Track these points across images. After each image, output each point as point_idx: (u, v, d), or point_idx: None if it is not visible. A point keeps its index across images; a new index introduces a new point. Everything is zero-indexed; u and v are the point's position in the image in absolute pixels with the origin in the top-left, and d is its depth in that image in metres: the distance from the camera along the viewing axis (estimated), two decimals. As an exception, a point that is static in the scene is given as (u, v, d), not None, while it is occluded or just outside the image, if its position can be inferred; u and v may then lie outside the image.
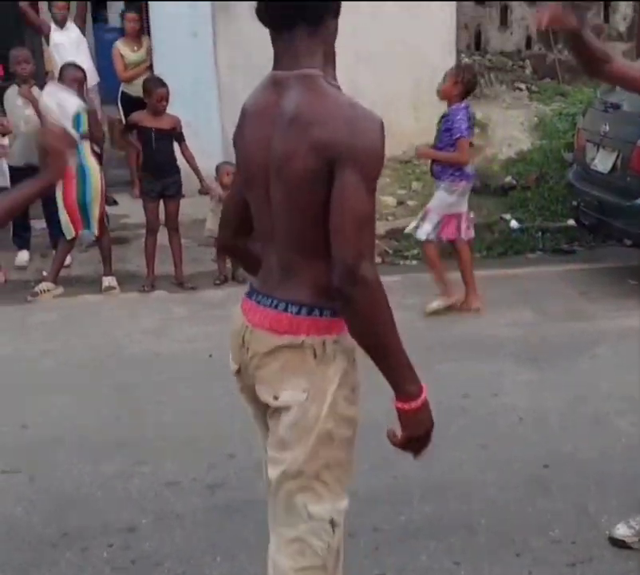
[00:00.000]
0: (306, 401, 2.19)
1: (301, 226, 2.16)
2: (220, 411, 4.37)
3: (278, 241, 2.23)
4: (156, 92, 6.36)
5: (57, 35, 8.00)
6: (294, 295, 2.21)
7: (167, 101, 6.35)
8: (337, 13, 2.19)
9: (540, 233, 7.25)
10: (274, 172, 2.14)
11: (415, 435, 2.18)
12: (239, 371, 2.35)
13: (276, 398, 2.22)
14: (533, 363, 4.96)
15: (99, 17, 14.40)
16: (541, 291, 6.21)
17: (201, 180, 6.56)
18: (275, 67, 2.16)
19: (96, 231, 6.41)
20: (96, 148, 6.41)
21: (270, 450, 2.26)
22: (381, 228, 7.33)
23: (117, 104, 8.37)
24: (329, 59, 2.18)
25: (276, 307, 2.22)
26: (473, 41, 10.40)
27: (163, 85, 6.47)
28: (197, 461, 3.97)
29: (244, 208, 2.32)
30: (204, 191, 6.62)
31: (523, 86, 10.04)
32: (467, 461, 3.85)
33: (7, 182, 7.06)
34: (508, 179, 7.94)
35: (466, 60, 9.99)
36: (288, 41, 2.13)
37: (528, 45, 10.43)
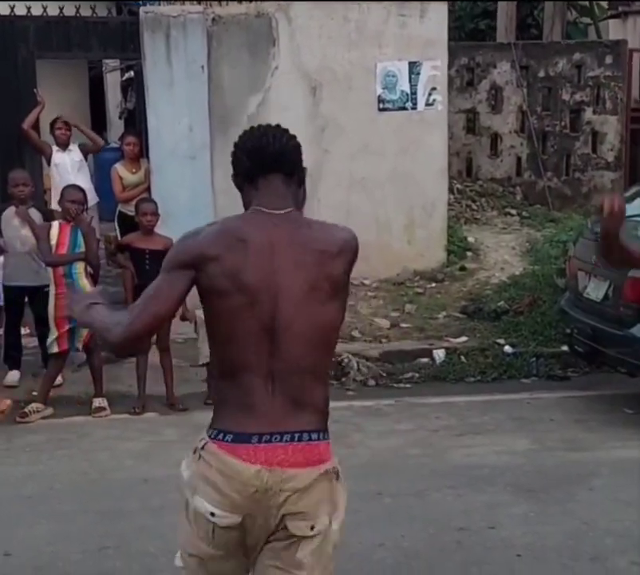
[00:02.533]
0: (330, 525, 2.29)
1: (318, 357, 2.33)
2: None
3: (283, 379, 2.29)
4: (140, 208, 6.49)
5: (58, 156, 8.20)
6: (311, 422, 2.31)
7: (152, 216, 6.44)
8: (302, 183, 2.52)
9: (534, 358, 7.24)
10: (304, 305, 2.31)
11: None
12: (239, 523, 2.28)
13: (313, 528, 2.26)
14: (530, 495, 4.85)
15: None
16: (536, 418, 6.15)
17: (184, 306, 6.50)
18: (266, 206, 2.44)
19: (79, 348, 6.36)
20: (90, 270, 6.41)
21: (281, 570, 2.27)
22: (374, 350, 7.33)
23: (114, 223, 8.48)
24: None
25: (304, 439, 2.28)
26: (465, 168, 10.68)
27: (151, 201, 6.62)
28: (184, 597, 3.81)
29: (174, 303, 2.42)
30: (185, 318, 6.56)
31: (514, 212, 10.26)
32: (464, 602, 3.72)
33: (1, 301, 7.10)
34: (501, 303, 8.00)
35: (458, 186, 10.25)
36: (277, 187, 2.46)
37: (518, 172, 10.70)
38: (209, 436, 2.35)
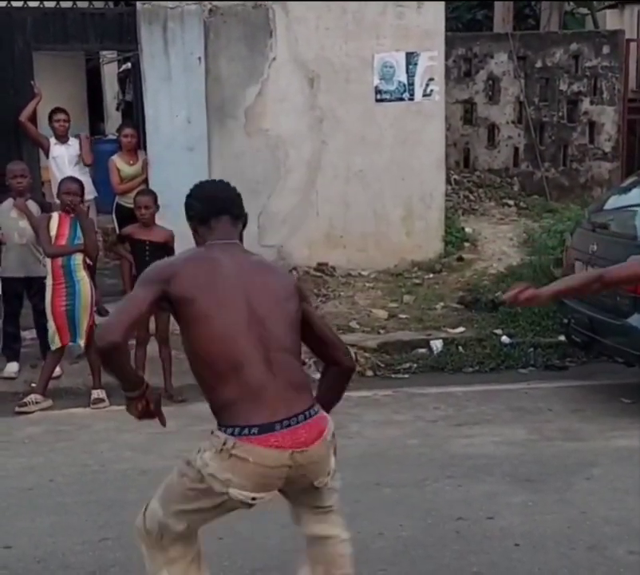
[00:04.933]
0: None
1: (295, 339, 2.83)
2: (207, 534, 4.25)
3: (277, 360, 2.72)
4: (136, 201, 6.48)
5: (56, 148, 8.18)
6: (308, 399, 2.78)
7: (146, 210, 6.42)
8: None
9: (532, 348, 7.25)
10: (272, 298, 2.82)
11: None
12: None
13: (329, 473, 2.83)
14: (528, 484, 4.87)
15: (97, 130, 14.81)
16: (534, 408, 6.17)
17: None
18: (219, 239, 2.95)
19: (81, 343, 6.39)
20: (89, 261, 6.43)
21: (325, 497, 2.90)
22: (372, 341, 7.34)
23: (112, 215, 8.47)
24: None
25: (311, 415, 2.73)
26: (462, 158, 10.68)
27: (147, 194, 6.60)
28: (184, 587, 3.82)
29: (143, 315, 2.81)
30: None
31: (511, 202, 10.26)
32: (463, 591, 3.74)
33: (-1, 292, 7.12)
34: (499, 294, 8.00)
35: (455, 177, 10.24)
36: (227, 225, 2.98)
37: (516, 162, 10.70)
38: (231, 434, 2.66)
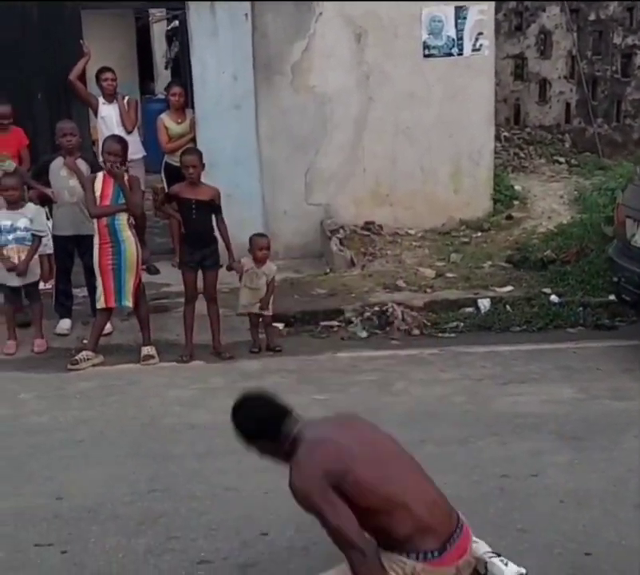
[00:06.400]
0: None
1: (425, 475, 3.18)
2: (253, 488, 4.33)
3: (417, 477, 3.10)
4: (183, 160, 6.48)
5: (104, 108, 8.20)
6: (454, 510, 3.09)
7: (194, 168, 6.40)
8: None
9: (581, 308, 7.17)
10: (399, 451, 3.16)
11: None
12: None
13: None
14: (574, 442, 4.86)
15: (147, 89, 14.84)
16: (582, 368, 6.12)
17: (231, 256, 6.56)
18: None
19: (129, 304, 6.46)
20: (133, 220, 6.45)
21: None
22: (419, 300, 7.32)
23: (161, 174, 8.51)
24: None
25: (462, 525, 3.06)
26: (512, 115, 10.51)
27: (193, 153, 6.58)
28: (229, 538, 3.92)
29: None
30: (231, 267, 6.62)
31: (562, 160, 10.09)
32: (506, 547, 3.72)
33: (51, 250, 7.21)
34: (548, 252, 7.92)
35: (505, 134, 10.10)
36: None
37: (567, 119, 10.51)
38: (416, 559, 2.97)
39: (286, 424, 3.13)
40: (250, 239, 6.71)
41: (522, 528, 3.94)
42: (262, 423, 3.15)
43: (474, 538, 3.21)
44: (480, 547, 3.31)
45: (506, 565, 3.29)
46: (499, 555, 3.33)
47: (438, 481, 4.33)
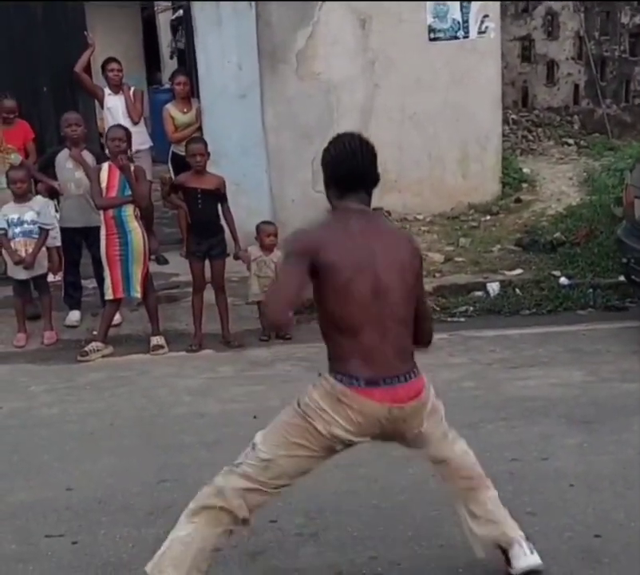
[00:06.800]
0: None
1: (409, 310, 3.07)
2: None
3: (391, 328, 3.00)
4: (189, 148, 6.48)
5: (111, 99, 8.20)
6: (411, 363, 3.08)
7: (201, 157, 6.40)
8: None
9: (591, 290, 7.14)
10: (397, 269, 3.02)
11: None
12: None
13: (421, 424, 3.15)
14: (584, 426, 4.84)
15: (154, 79, 14.83)
16: (592, 350, 6.10)
17: (237, 245, 6.57)
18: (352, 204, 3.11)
19: (138, 295, 6.47)
20: (137, 212, 6.45)
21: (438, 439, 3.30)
22: (428, 285, 7.29)
23: (168, 164, 8.50)
24: None
25: (411, 378, 3.04)
26: (520, 97, 10.44)
27: (199, 141, 6.59)
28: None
29: (303, 288, 2.96)
30: (238, 256, 6.62)
31: (571, 141, 10.03)
32: (515, 530, 3.75)
33: (59, 242, 7.23)
34: (557, 234, 7.88)
35: (513, 116, 10.04)
36: (362, 192, 3.14)
37: (576, 100, 10.43)
38: (340, 381, 2.98)
39: (350, 190, 3.09)
40: (257, 226, 6.71)
41: (531, 511, 3.92)
42: (333, 170, 3.12)
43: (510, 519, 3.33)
44: (513, 527, 3.37)
45: (531, 553, 3.32)
46: (527, 539, 3.37)
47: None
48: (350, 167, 3.07)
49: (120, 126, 6.64)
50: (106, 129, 7.94)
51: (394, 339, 3.01)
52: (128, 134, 6.49)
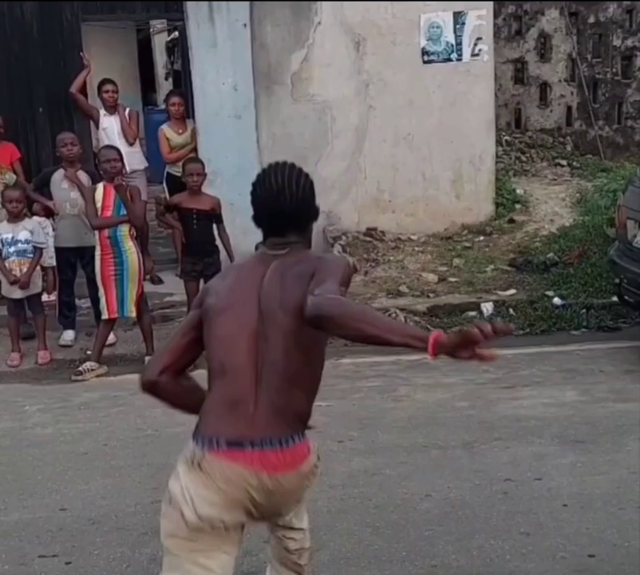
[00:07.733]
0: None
1: (298, 359, 2.50)
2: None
3: (271, 376, 2.49)
4: (186, 168, 6.52)
5: (106, 120, 8.25)
6: (295, 426, 2.53)
7: (198, 177, 6.45)
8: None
9: (584, 310, 7.17)
10: (281, 312, 2.49)
11: (460, 353, 2.20)
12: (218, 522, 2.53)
13: (299, 501, 2.73)
14: (577, 445, 4.86)
15: (149, 100, 14.90)
16: (585, 370, 6.13)
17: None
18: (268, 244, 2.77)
19: (132, 315, 6.48)
20: (133, 232, 6.47)
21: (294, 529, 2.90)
22: (421, 305, 7.34)
23: (163, 184, 8.54)
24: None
25: (290, 444, 2.49)
26: (513, 119, 10.52)
27: (197, 161, 6.63)
28: (233, 547, 3.91)
29: (194, 347, 2.66)
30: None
31: (564, 162, 10.09)
32: (509, 551, 3.75)
33: (54, 262, 7.24)
34: (551, 255, 7.92)
35: (507, 138, 10.11)
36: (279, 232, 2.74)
37: (569, 122, 10.51)
38: (199, 444, 2.51)
39: (266, 230, 2.77)
40: (257, 246, 6.73)
41: (525, 531, 3.93)
42: (253, 207, 2.75)
43: None
44: None
45: None
46: None
47: (441, 485, 4.37)
48: (274, 209, 2.69)
49: (112, 147, 6.70)
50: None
51: (274, 393, 2.48)
52: (120, 153, 6.53)
